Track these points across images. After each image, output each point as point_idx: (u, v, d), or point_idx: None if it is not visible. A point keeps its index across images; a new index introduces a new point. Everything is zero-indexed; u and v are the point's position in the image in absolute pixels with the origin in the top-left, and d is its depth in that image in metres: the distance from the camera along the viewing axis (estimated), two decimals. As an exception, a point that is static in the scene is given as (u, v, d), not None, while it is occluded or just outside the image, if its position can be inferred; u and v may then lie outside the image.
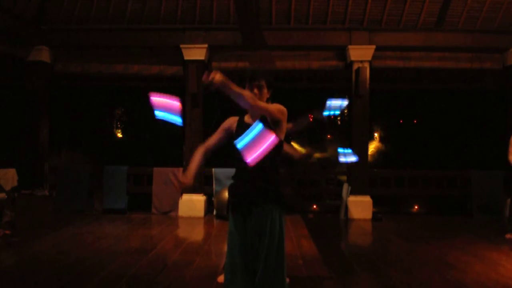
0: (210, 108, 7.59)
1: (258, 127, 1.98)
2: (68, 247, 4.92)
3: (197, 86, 7.16)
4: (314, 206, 8.55)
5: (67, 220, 6.54)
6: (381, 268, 4.18)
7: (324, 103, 3.57)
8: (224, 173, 7.37)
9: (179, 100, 2.22)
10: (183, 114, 7.30)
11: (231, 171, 2.46)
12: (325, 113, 3.61)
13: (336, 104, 3.60)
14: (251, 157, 1.95)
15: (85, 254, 4.55)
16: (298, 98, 18.89)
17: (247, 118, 2.49)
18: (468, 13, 7.17)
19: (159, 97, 2.21)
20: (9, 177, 6.48)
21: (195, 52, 7.26)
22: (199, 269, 4.05)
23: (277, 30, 7.38)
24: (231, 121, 2.55)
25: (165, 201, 7.39)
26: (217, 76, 2.01)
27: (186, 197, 7.23)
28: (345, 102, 3.61)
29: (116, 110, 24.94)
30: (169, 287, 3.57)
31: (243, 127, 2.37)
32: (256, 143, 1.96)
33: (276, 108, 2.35)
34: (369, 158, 10.09)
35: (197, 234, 6.14)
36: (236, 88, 2.11)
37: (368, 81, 7.16)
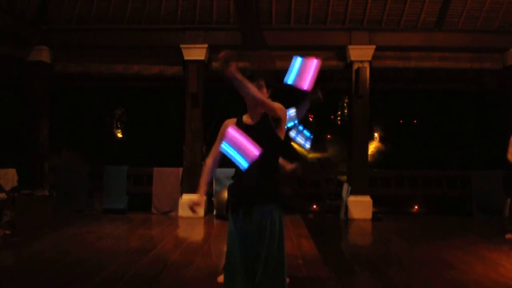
0: (210, 108, 7.59)
1: (297, 60, 2.03)
2: (68, 247, 4.93)
3: (197, 86, 7.16)
4: (314, 206, 8.55)
5: (67, 220, 6.54)
6: (381, 268, 4.18)
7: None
8: (224, 173, 7.37)
9: (259, 150, 2.04)
10: (185, 115, 7.33)
11: (231, 171, 2.45)
12: (289, 124, 3.59)
13: (292, 115, 3.60)
14: (306, 84, 1.98)
15: (85, 254, 4.55)
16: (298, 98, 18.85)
17: (245, 118, 2.48)
18: (468, 13, 7.17)
19: (239, 134, 2.07)
20: (9, 177, 6.47)
21: (195, 52, 7.26)
22: (199, 269, 4.05)
23: (277, 30, 7.38)
24: (229, 125, 2.51)
25: (165, 201, 7.39)
26: (232, 67, 2.04)
27: (186, 197, 7.23)
28: (291, 111, 3.59)
29: (116, 110, 24.93)
30: (169, 287, 3.57)
31: (243, 127, 2.37)
32: (303, 72, 2.00)
33: (278, 106, 2.35)
34: (369, 158, 10.08)
35: (197, 234, 6.14)
36: (244, 80, 2.15)
37: (368, 81, 7.16)
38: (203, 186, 2.50)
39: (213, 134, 4.78)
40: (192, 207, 2.41)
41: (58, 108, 13.42)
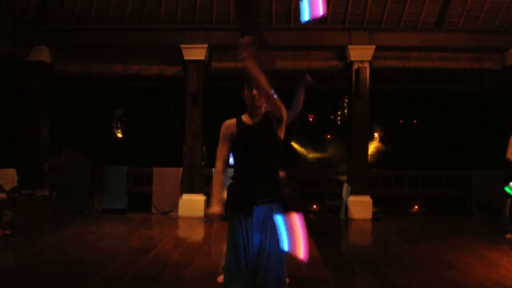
0: (210, 108, 7.59)
1: None
2: (68, 247, 4.93)
3: (197, 86, 7.16)
4: (314, 206, 8.56)
5: (67, 220, 6.54)
6: (381, 268, 4.18)
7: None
8: (224, 173, 7.37)
9: (306, 254, 2.01)
10: (185, 115, 7.32)
11: (231, 171, 2.45)
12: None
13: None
14: (320, 10, 2.08)
15: (85, 254, 4.55)
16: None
17: (245, 118, 2.48)
18: (468, 13, 7.17)
19: (302, 222, 2.06)
20: (9, 177, 6.47)
21: (195, 52, 7.26)
22: (199, 269, 4.05)
23: (277, 30, 7.38)
24: (230, 126, 2.48)
25: (165, 201, 7.39)
26: (249, 62, 2.12)
27: (186, 197, 7.23)
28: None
29: (116, 110, 24.96)
30: (169, 287, 3.58)
31: (243, 128, 2.37)
32: (313, 3, 2.10)
33: (282, 105, 2.36)
34: (369, 158, 10.08)
35: (197, 234, 6.14)
36: (258, 72, 2.19)
37: (368, 81, 7.16)
38: (219, 193, 2.43)
39: (213, 134, 4.79)
40: (212, 217, 2.40)
41: (58, 108, 13.44)
